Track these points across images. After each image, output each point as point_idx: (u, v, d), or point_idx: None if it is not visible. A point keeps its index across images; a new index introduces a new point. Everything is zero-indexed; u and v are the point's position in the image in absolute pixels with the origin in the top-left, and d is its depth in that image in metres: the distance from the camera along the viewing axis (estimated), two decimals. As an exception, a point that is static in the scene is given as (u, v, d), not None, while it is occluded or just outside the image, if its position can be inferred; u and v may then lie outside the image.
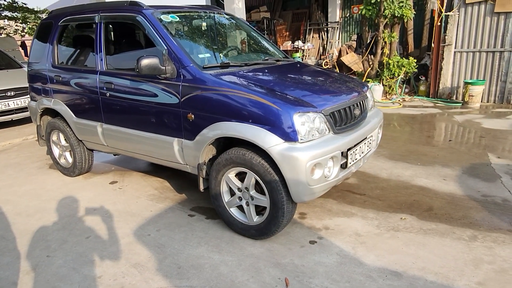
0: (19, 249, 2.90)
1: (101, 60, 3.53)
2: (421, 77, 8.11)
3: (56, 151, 4.43)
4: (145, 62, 2.82)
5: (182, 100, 2.91)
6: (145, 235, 3.00)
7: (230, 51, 3.74)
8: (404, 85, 8.32)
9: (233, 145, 2.85)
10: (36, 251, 2.86)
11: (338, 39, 13.17)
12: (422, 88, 7.99)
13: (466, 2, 6.99)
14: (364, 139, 3.00)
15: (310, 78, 3.25)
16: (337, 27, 13.12)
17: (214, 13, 3.87)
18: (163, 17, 3.22)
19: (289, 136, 2.46)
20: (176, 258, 2.66)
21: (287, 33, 14.10)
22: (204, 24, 3.64)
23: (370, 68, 8.01)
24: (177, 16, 3.36)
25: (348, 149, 2.76)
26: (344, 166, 2.76)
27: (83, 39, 4.01)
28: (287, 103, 2.51)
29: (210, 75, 2.85)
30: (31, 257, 2.78)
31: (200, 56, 3.19)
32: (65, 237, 3.04)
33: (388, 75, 7.76)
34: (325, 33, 13.44)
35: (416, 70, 7.90)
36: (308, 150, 2.45)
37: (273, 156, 2.47)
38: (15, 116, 6.81)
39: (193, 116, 2.87)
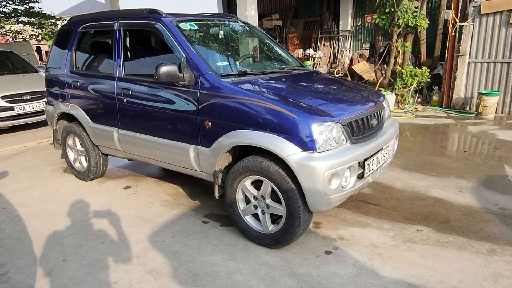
0: (35, 252, 2.92)
1: (119, 66, 3.57)
2: (434, 87, 8.06)
3: (71, 155, 4.48)
4: (163, 69, 2.86)
5: (199, 107, 2.93)
6: (159, 241, 3.01)
7: (247, 59, 3.77)
8: (417, 94, 8.27)
9: (249, 153, 2.86)
10: (52, 254, 2.88)
11: (350, 48, 13.19)
12: (435, 98, 7.93)
13: (481, 12, 6.95)
14: (381, 149, 2.98)
15: (327, 87, 3.25)
16: (349, 36, 13.14)
17: (230, 21, 3.90)
18: (181, 25, 3.26)
19: (307, 145, 2.46)
20: (191, 265, 2.66)
21: (298, 41, 14.15)
22: (221, 32, 3.67)
23: (382, 77, 7.99)
24: (195, 24, 3.40)
25: (365, 159, 2.74)
26: (361, 176, 2.74)
27: (102, 45, 4.07)
28: (305, 113, 2.52)
29: (228, 83, 2.87)
30: (47, 261, 2.80)
31: (218, 64, 3.22)
32: (80, 241, 3.06)
33: (400, 85, 7.72)
34: (337, 42, 13.46)
35: (429, 79, 7.85)
36: (326, 159, 2.44)
37: (291, 165, 2.46)
38: (30, 120, 6.91)
39: (210, 123, 2.89)
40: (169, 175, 4.48)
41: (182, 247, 2.90)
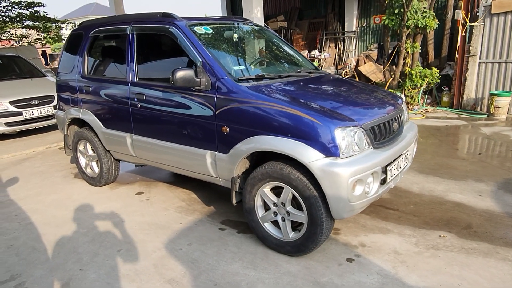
0: (51, 261, 2.87)
1: (133, 71, 3.52)
2: (444, 87, 7.97)
3: (82, 160, 4.44)
4: (180, 74, 2.81)
5: (216, 112, 2.87)
6: (177, 249, 2.95)
7: (262, 62, 3.71)
8: (426, 95, 8.19)
9: (267, 158, 2.80)
10: (69, 264, 2.83)
11: (355, 49, 13.13)
12: (445, 99, 7.85)
13: (492, 12, 6.87)
14: (401, 153, 2.91)
15: (346, 91, 3.19)
16: (354, 37, 13.08)
17: (243, 24, 3.85)
18: (196, 28, 3.21)
19: (330, 151, 2.40)
20: (211, 274, 2.60)
21: (303, 42, 14.11)
22: (235, 35, 3.61)
23: (391, 79, 7.91)
24: (210, 27, 3.35)
25: (387, 165, 2.68)
26: (383, 182, 2.68)
27: (114, 50, 4.03)
28: (327, 118, 2.46)
29: (246, 87, 2.81)
30: (63, 270, 2.75)
31: (235, 68, 3.16)
32: (96, 249, 3.01)
33: (410, 86, 7.64)
34: (342, 43, 13.40)
35: (438, 80, 7.77)
36: (350, 166, 2.38)
37: (314, 171, 2.41)
38: (38, 124, 6.88)
39: (228, 129, 2.83)
40: (181, 180, 4.42)
41: (201, 255, 2.84)
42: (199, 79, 2.88)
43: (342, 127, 2.44)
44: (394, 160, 2.77)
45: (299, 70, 3.51)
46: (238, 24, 3.80)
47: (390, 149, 2.74)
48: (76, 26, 4.45)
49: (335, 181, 2.36)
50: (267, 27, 4.27)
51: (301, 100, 2.69)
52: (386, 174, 2.68)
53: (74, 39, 4.27)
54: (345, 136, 2.43)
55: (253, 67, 3.46)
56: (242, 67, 3.31)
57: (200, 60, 2.96)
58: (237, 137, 2.79)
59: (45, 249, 3.06)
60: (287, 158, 2.61)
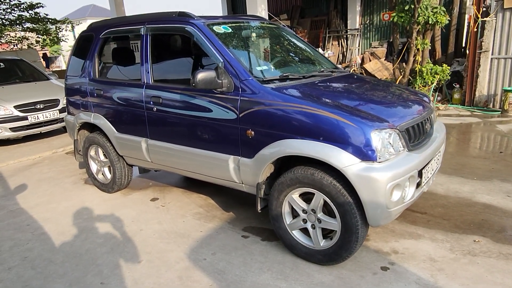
0: (70, 275, 2.74)
1: (148, 73, 3.39)
2: (455, 84, 7.84)
3: (94, 166, 4.30)
4: (201, 75, 2.68)
5: (240, 115, 2.74)
6: (200, 259, 2.82)
7: (284, 62, 3.57)
8: (436, 93, 8.07)
9: (292, 162, 2.67)
10: (88, 277, 2.70)
11: (358, 46, 13.00)
12: (456, 96, 7.72)
13: (505, 7, 6.74)
14: (434, 155, 2.79)
15: (374, 91, 3.06)
16: (357, 34, 12.95)
17: (260, 23, 3.71)
18: (215, 28, 3.08)
19: (366, 155, 2.27)
20: (240, 287, 2.47)
21: (306, 40, 13.98)
22: (253, 34, 3.48)
23: (401, 76, 7.78)
24: (229, 26, 3.21)
25: (422, 168, 2.55)
26: (417, 186, 2.55)
27: (127, 51, 3.90)
28: (362, 119, 2.33)
29: (271, 89, 2.68)
30: (84, 284, 2.62)
31: (257, 68, 3.03)
32: (115, 260, 2.88)
33: (421, 83, 7.51)
34: (345, 40, 13.28)
35: (449, 77, 7.64)
36: (388, 170, 2.25)
37: (349, 177, 2.28)
38: (44, 129, 6.73)
39: (253, 132, 2.70)
40: (195, 185, 4.28)
41: (226, 266, 2.71)
42: (220, 81, 2.75)
43: (378, 129, 2.31)
44: (428, 163, 2.65)
45: (321, 70, 3.37)
46: (254, 23, 3.66)
47: (424, 151, 2.61)
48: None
49: (372, 186, 2.23)
50: (284, 26, 4.14)
51: (331, 101, 2.56)
52: (421, 177, 2.55)
53: (83, 41, 4.12)
54: (381, 139, 2.31)
55: (274, 67, 3.33)
56: (264, 67, 3.18)
57: (222, 60, 2.82)
58: (263, 141, 2.66)
59: (62, 261, 2.92)
60: (317, 163, 2.48)
